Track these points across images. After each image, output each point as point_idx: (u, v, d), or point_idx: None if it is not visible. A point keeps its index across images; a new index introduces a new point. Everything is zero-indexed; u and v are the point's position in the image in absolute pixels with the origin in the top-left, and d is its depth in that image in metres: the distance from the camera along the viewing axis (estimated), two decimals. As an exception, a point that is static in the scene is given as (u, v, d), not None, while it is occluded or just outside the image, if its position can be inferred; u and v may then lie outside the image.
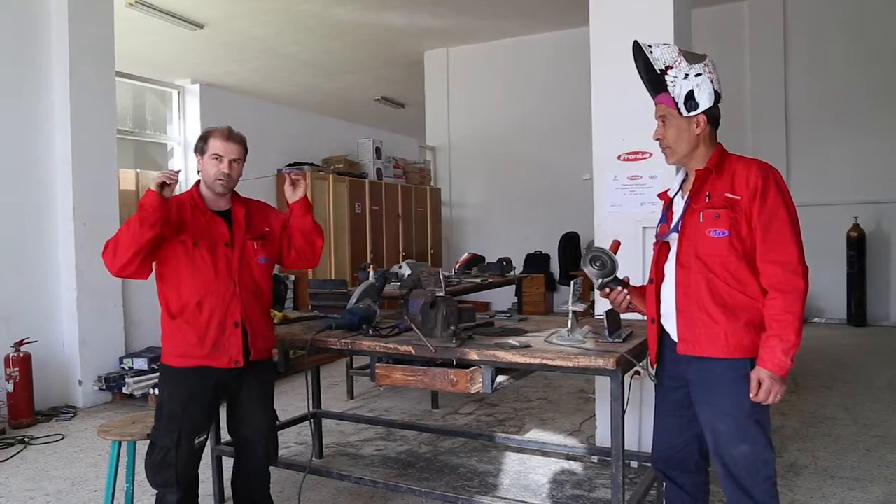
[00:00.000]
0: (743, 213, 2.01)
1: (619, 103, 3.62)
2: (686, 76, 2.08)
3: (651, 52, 2.11)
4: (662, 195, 2.33)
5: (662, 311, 2.21)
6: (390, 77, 12.30)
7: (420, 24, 9.60)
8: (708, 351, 2.06)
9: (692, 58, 2.11)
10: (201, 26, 9.35)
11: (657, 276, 2.23)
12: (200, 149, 2.59)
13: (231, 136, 2.58)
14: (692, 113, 2.10)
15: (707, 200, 2.08)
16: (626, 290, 2.30)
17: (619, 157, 3.66)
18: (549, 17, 9.43)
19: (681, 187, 2.24)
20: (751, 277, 2.02)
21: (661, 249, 2.23)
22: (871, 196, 8.37)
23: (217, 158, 2.54)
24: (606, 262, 2.29)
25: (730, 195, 2.04)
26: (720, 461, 2.09)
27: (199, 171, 2.63)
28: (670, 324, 2.17)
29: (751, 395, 1.99)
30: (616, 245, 2.37)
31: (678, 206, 2.20)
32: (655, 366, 2.29)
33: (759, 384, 1.97)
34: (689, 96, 2.08)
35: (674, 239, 2.16)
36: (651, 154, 3.53)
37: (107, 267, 2.48)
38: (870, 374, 5.75)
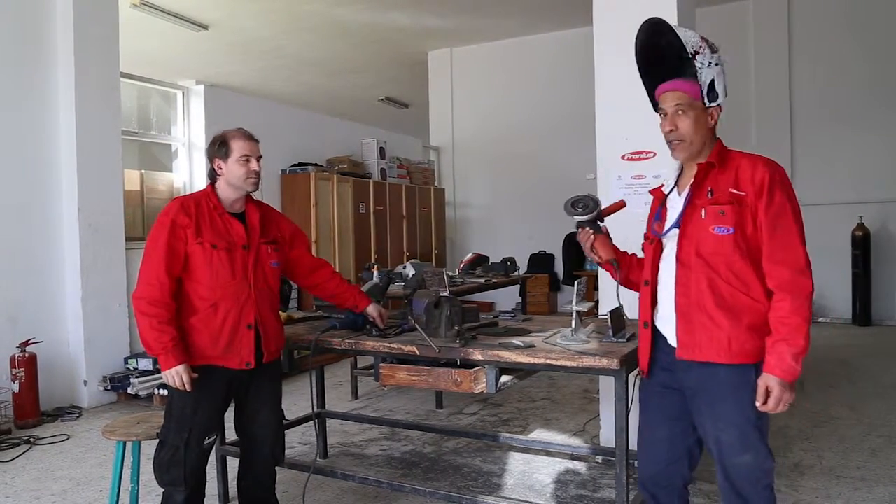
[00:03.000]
0: (749, 209, 1.93)
1: (622, 103, 3.60)
2: (709, 64, 1.99)
3: (683, 33, 2.01)
4: (655, 191, 2.21)
5: (659, 314, 2.10)
6: (394, 77, 12.30)
7: (424, 24, 9.60)
8: (709, 355, 1.96)
9: (713, 46, 2.02)
10: (205, 27, 9.37)
11: (651, 277, 2.12)
12: (223, 153, 2.60)
13: (251, 135, 2.67)
14: (713, 103, 2.01)
15: (710, 196, 1.98)
16: (593, 234, 2.23)
17: (622, 157, 3.66)
18: (553, 16, 9.42)
19: (676, 183, 2.13)
20: (754, 278, 1.93)
21: (655, 249, 2.12)
22: (876, 195, 8.33)
23: (246, 159, 2.59)
24: (589, 203, 2.22)
25: (734, 191, 1.95)
26: (722, 470, 2.02)
27: (213, 176, 2.64)
28: (668, 327, 2.07)
29: (758, 404, 1.90)
30: (620, 204, 2.34)
31: (675, 203, 2.09)
32: (648, 374, 2.16)
33: (768, 392, 1.88)
34: (712, 86, 1.99)
35: (673, 236, 2.05)
36: (655, 153, 3.53)
37: (133, 298, 2.52)
38: (875, 373, 5.73)
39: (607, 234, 2.28)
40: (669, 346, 2.07)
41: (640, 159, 3.60)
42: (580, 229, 2.26)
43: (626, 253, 2.34)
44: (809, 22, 8.72)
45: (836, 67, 8.55)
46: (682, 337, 2.02)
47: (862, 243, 8.20)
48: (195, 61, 10.82)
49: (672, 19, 3.50)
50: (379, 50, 10.69)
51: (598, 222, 2.25)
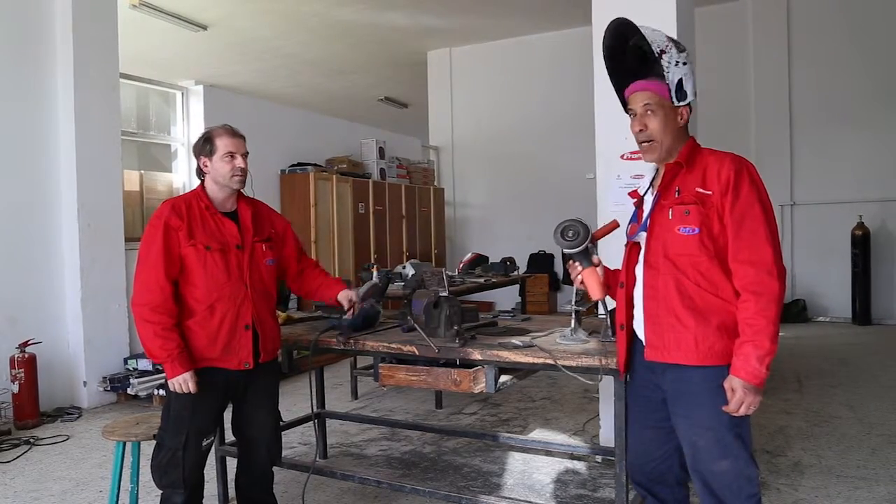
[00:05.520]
0: (714, 209, 1.89)
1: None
2: (677, 63, 1.98)
3: (650, 33, 2.02)
4: (633, 193, 2.19)
5: (636, 316, 2.08)
6: (393, 77, 12.30)
7: (423, 24, 9.60)
8: (677, 357, 1.94)
9: (679, 46, 2.01)
10: (204, 27, 9.37)
11: (628, 280, 2.09)
12: (208, 151, 2.58)
13: (236, 132, 2.63)
14: (682, 102, 1.99)
15: (677, 196, 1.96)
16: (581, 268, 2.16)
17: (622, 157, 3.65)
18: (552, 16, 9.42)
19: (651, 184, 2.12)
20: (723, 278, 1.90)
21: (632, 250, 2.10)
22: (875, 194, 8.34)
23: (231, 156, 2.56)
24: (579, 230, 2.13)
25: (700, 190, 1.92)
26: (700, 478, 1.97)
27: (201, 174, 2.63)
28: (642, 329, 2.05)
29: (724, 407, 1.87)
30: (613, 225, 2.22)
31: (648, 204, 2.07)
32: (627, 375, 2.16)
33: (733, 394, 1.85)
34: (680, 85, 1.98)
35: (643, 238, 2.05)
36: (654, 153, 3.52)
37: (133, 305, 2.51)
38: (875, 372, 5.73)
39: (599, 264, 2.20)
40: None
41: (639, 159, 3.58)
42: (570, 261, 2.20)
43: (617, 271, 2.26)
44: (808, 21, 8.72)
45: (836, 66, 8.55)
46: (650, 339, 2.00)
47: (861, 242, 8.20)
48: (194, 62, 10.83)
49: (671, 19, 3.51)
50: (378, 50, 10.69)
51: (590, 251, 2.18)
